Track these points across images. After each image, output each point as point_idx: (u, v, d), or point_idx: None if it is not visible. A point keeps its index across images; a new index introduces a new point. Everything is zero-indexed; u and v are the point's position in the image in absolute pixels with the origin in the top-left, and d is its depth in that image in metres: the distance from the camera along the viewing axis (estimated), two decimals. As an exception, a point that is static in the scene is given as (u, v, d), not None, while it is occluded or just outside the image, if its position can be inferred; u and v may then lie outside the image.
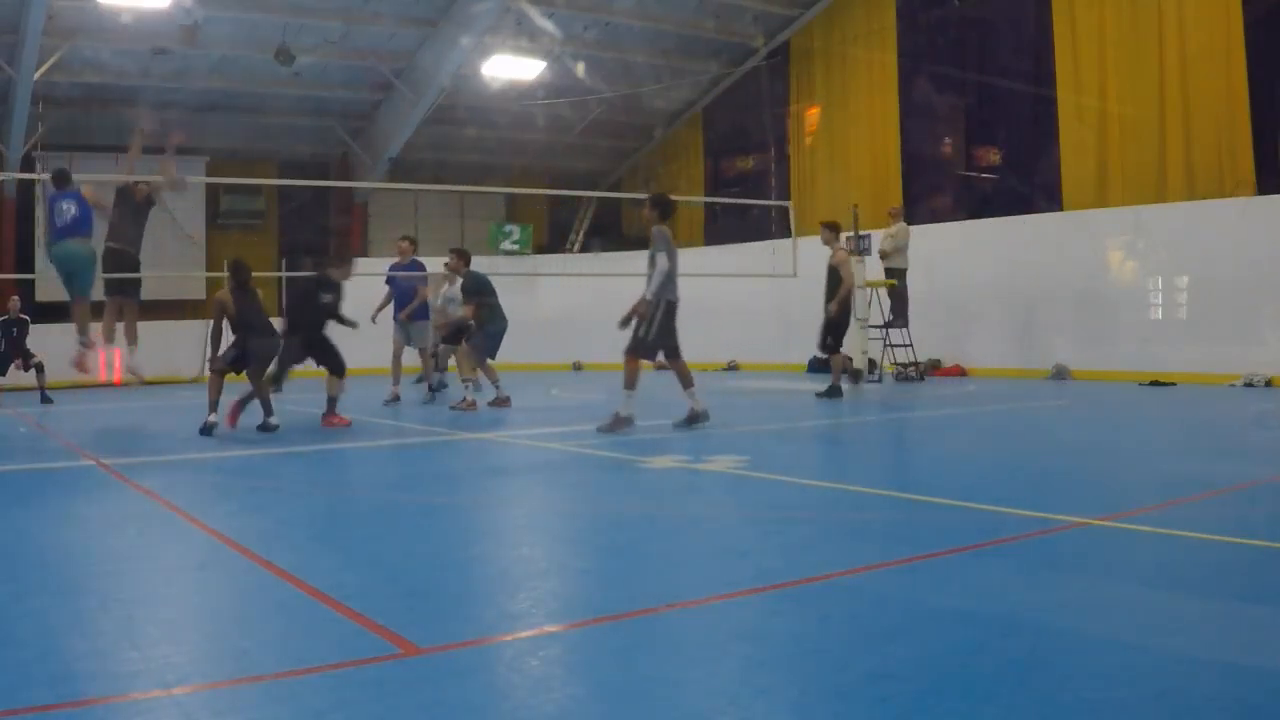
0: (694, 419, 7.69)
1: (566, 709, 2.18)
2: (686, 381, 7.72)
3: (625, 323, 7.59)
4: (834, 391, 10.53)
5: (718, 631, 2.75)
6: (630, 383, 7.55)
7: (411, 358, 11.88)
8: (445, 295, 12.33)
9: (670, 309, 7.65)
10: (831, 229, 11.13)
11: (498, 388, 10.32)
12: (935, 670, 2.35)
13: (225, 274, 8.34)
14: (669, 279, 7.58)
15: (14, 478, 6.06)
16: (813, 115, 18.58)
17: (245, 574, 3.47)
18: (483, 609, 3.03)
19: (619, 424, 7.42)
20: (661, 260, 7.53)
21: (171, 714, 2.14)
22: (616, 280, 16.17)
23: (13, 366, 12.73)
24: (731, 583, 3.25)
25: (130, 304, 9.07)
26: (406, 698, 2.20)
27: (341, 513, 4.87)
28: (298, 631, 2.77)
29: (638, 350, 7.61)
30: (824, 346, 11.05)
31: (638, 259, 17.43)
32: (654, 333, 7.54)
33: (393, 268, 12.04)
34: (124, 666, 2.44)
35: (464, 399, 10.04)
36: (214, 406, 7.76)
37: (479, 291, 10.31)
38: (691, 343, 8.66)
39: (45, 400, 12.16)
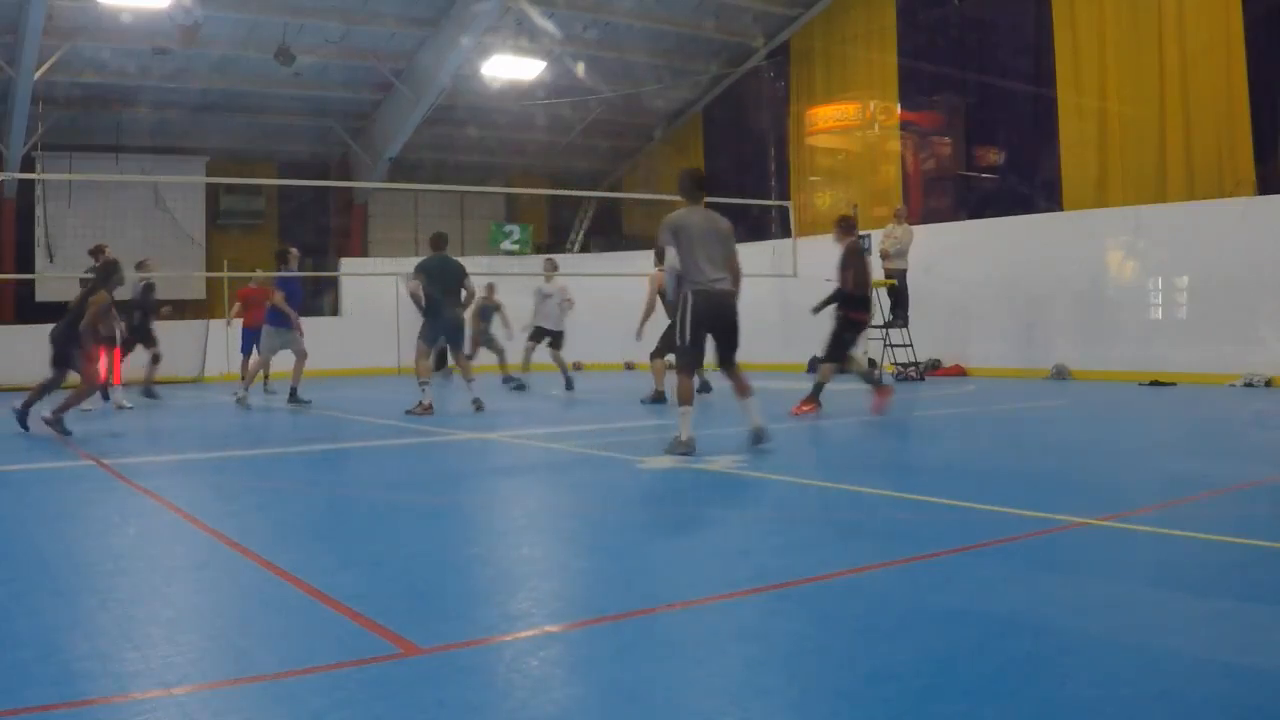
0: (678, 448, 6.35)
1: (566, 709, 2.18)
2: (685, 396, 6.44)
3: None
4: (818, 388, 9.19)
5: (718, 631, 2.75)
6: (683, 397, 6.41)
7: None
8: (542, 291, 12.61)
9: (696, 300, 6.42)
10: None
11: (426, 390, 9.43)
12: (935, 670, 2.35)
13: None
14: (677, 271, 6.44)
15: (14, 477, 6.06)
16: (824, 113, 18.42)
17: (245, 574, 3.47)
18: (483, 609, 3.03)
19: (677, 446, 6.32)
20: (669, 255, 6.46)
21: (171, 714, 2.14)
22: (617, 280, 16.19)
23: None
24: (731, 583, 3.25)
25: None
26: (406, 698, 2.20)
27: (341, 513, 4.87)
28: (298, 631, 2.77)
29: (678, 358, 6.61)
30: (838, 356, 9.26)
31: (637, 259, 17.53)
32: (688, 334, 6.42)
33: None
34: (124, 666, 2.44)
35: (419, 402, 9.35)
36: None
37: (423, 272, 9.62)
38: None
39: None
